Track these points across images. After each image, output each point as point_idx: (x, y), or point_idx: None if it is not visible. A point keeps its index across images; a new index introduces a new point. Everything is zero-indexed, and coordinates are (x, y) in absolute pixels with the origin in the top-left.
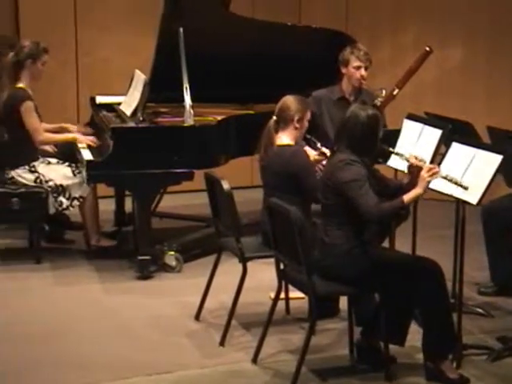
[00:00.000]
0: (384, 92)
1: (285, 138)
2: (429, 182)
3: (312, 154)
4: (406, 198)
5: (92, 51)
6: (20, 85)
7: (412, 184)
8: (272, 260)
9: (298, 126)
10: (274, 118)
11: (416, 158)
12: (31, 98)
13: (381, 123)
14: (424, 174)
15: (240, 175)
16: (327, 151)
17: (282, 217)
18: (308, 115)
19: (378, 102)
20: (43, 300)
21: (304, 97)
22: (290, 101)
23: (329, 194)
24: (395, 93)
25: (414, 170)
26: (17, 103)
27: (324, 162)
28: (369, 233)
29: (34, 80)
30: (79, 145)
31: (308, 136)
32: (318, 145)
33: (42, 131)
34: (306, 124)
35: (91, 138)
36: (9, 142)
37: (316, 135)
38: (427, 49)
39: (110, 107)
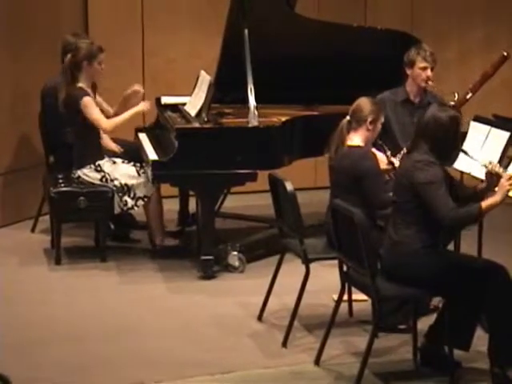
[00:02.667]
0: (456, 96)
1: (356, 139)
2: (508, 191)
3: (381, 159)
4: (484, 205)
5: (158, 53)
6: (78, 84)
7: (488, 191)
8: (336, 262)
9: (370, 127)
10: (347, 118)
11: (493, 164)
12: (88, 94)
13: (461, 125)
14: (504, 181)
15: (304, 176)
16: (396, 161)
17: (345, 219)
18: (382, 118)
19: (449, 105)
20: (108, 298)
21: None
22: (364, 102)
23: (402, 192)
24: (468, 97)
25: (493, 177)
26: (76, 102)
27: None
28: (438, 235)
29: (92, 80)
30: (144, 145)
31: (379, 142)
32: (388, 153)
33: (105, 119)
34: (379, 127)
35: (147, 103)
36: (74, 142)
37: (382, 139)
38: (504, 54)
39: (175, 108)
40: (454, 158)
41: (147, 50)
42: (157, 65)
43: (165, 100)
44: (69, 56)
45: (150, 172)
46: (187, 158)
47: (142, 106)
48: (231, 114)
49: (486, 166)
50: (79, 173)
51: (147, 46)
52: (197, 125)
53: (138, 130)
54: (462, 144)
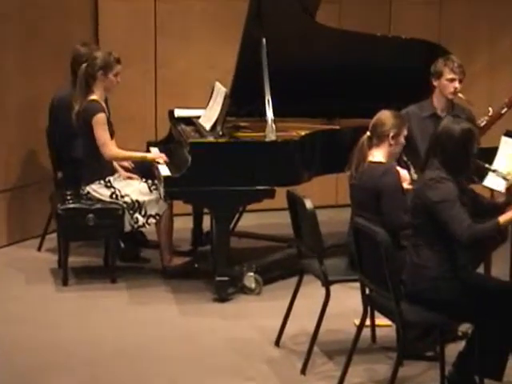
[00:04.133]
0: (491, 110)
1: (377, 155)
2: None
3: (405, 177)
4: (502, 219)
5: (171, 63)
6: (93, 97)
7: (509, 204)
8: (358, 284)
9: (392, 142)
10: (368, 133)
11: None
12: (104, 110)
13: (476, 138)
14: None
15: (324, 194)
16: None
17: (368, 239)
18: (404, 131)
19: (483, 120)
20: (118, 321)
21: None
22: (385, 116)
23: (419, 212)
24: (503, 111)
25: None
26: (89, 116)
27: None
28: (463, 257)
29: (107, 91)
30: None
31: (405, 159)
32: (412, 171)
33: (111, 146)
34: (402, 141)
35: (162, 154)
36: (84, 157)
37: (406, 154)
38: None
39: (189, 121)
40: (469, 172)
41: (160, 60)
42: (170, 75)
43: (178, 113)
44: (84, 66)
45: (162, 188)
46: (201, 174)
47: (158, 156)
48: (248, 128)
49: (505, 178)
50: (88, 189)
51: (160, 56)
52: (211, 139)
53: (150, 144)
54: (491, 160)
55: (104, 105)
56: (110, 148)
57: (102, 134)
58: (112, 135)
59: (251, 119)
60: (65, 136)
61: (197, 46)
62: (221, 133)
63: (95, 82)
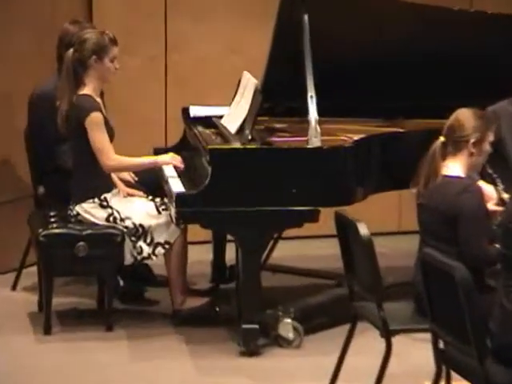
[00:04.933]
0: None
1: (454, 167)
2: None
3: (491, 195)
4: None
5: (185, 48)
6: (84, 91)
7: None
8: (428, 336)
9: (474, 150)
10: (442, 139)
11: None
12: (99, 108)
13: None
14: None
15: (384, 216)
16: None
17: (442, 276)
18: (490, 136)
19: None
20: (116, 380)
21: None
22: (464, 116)
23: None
24: None
25: None
26: (81, 115)
27: None
28: None
29: (102, 82)
30: (166, 172)
31: (489, 171)
32: (501, 187)
33: (111, 152)
34: (487, 148)
35: (177, 157)
36: (73, 167)
37: (492, 166)
38: None
39: (209, 121)
40: None
41: (171, 44)
42: (183, 64)
43: (194, 111)
44: (71, 51)
45: (173, 209)
46: (224, 190)
47: (173, 159)
48: (284, 131)
49: None
50: (78, 209)
51: (171, 39)
52: (238, 145)
53: (158, 151)
54: None
55: (99, 100)
56: (110, 155)
57: (98, 137)
58: (111, 139)
59: (289, 119)
60: (48, 140)
61: (218, 25)
62: (250, 137)
63: (87, 71)
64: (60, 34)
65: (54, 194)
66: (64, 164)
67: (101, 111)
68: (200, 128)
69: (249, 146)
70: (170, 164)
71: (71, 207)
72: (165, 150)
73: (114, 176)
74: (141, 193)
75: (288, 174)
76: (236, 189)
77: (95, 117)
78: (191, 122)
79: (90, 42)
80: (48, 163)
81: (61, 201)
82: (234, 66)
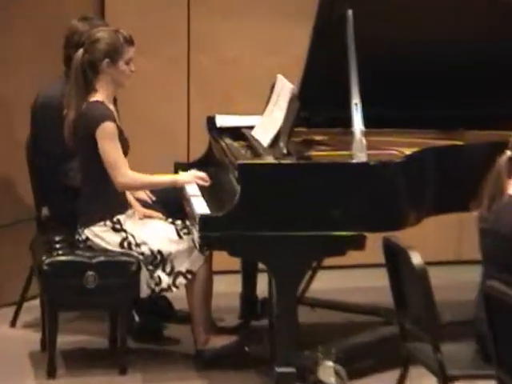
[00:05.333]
0: None
1: None
2: None
3: None
4: None
5: (210, 47)
6: (95, 97)
7: None
8: (492, 383)
9: None
10: (508, 153)
11: None
12: (112, 117)
13: None
14: None
15: (440, 243)
16: None
17: (509, 313)
18: None
19: None
20: None
21: None
22: None
23: None
24: None
25: None
26: (92, 125)
27: None
28: None
29: (115, 87)
30: (188, 191)
31: None
32: None
33: (126, 168)
34: None
35: (202, 174)
36: (82, 185)
37: None
38: None
39: (237, 133)
40: None
41: (194, 43)
42: (209, 66)
43: (221, 121)
44: (80, 52)
45: (196, 233)
46: (255, 212)
47: (196, 177)
48: (324, 144)
49: None
50: (88, 233)
51: (195, 38)
52: (271, 159)
53: (180, 166)
54: None
55: (112, 108)
56: (124, 171)
57: (111, 151)
58: (125, 152)
59: (330, 131)
60: (54, 154)
61: (249, 22)
62: (285, 151)
63: (98, 75)
64: (67, 33)
65: (60, 216)
66: (71, 182)
67: (114, 121)
68: (228, 140)
69: (284, 162)
70: (192, 183)
71: (79, 231)
72: (187, 166)
73: (128, 195)
74: (159, 214)
75: (329, 193)
76: (269, 210)
77: (107, 127)
78: (217, 133)
79: (102, 42)
80: (53, 181)
81: (68, 224)
82: (268, 68)
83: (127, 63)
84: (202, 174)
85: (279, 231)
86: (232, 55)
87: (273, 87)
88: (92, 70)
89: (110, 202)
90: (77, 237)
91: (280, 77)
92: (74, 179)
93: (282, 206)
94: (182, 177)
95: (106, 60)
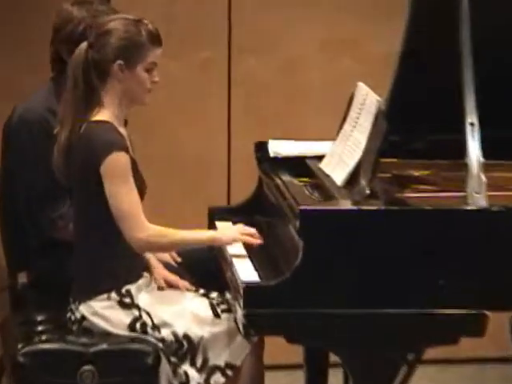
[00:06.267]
0: None
1: None
2: None
3: None
4: None
5: (260, 47)
6: (100, 115)
7: None
8: None
9: None
10: None
11: None
12: (124, 146)
13: None
14: None
15: None
16: None
17: None
18: None
19: None
20: None
21: None
22: None
23: None
24: None
25: None
26: (95, 155)
27: None
28: None
29: (129, 102)
30: (228, 249)
31: None
32: None
33: (143, 219)
34: None
35: (252, 230)
36: (77, 240)
37: None
38: None
39: (299, 165)
40: None
41: (237, 43)
42: (258, 72)
43: (276, 148)
44: (83, 46)
45: (240, 310)
46: (325, 279)
47: (243, 234)
48: (424, 181)
49: None
50: (84, 310)
51: (237, 37)
52: (348, 204)
53: (217, 213)
54: None
55: (124, 132)
56: (140, 223)
57: (124, 194)
58: (141, 195)
59: (431, 162)
60: (35, 194)
61: (314, 14)
62: (368, 191)
63: (106, 84)
64: (56, 21)
65: (44, 285)
66: (61, 235)
67: (127, 150)
68: (285, 176)
69: (366, 207)
70: (237, 242)
71: (72, 307)
72: (227, 212)
73: (147, 255)
74: (186, 283)
75: (433, 253)
76: (345, 277)
77: (118, 160)
78: (270, 165)
79: (114, 36)
80: (35, 234)
81: (55, 296)
82: (343, 74)
83: (149, 70)
84: (252, 230)
85: (360, 308)
86: (290, 57)
87: (350, 99)
88: (98, 75)
89: (116, 267)
90: (68, 315)
91: (361, 85)
92: (65, 231)
93: (364, 270)
94: (224, 232)
95: (119, 62)
